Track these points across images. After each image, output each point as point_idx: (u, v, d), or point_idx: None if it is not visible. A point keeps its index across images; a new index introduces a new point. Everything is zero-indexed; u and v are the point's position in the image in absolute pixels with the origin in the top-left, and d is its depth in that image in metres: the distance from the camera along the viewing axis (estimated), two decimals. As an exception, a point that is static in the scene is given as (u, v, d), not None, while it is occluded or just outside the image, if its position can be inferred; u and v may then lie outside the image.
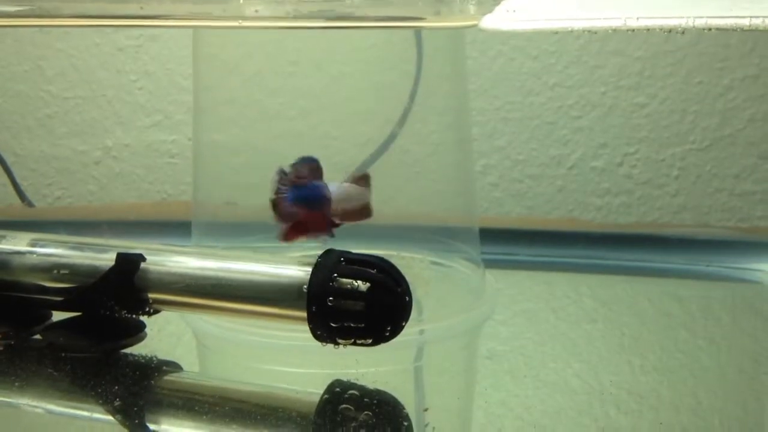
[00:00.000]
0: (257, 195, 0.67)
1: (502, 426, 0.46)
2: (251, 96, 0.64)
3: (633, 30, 0.31)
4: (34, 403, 0.48)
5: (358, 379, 0.47)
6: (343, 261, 0.46)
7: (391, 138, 0.65)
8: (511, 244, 0.72)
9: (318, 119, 0.65)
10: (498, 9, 0.34)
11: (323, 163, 0.67)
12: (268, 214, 0.67)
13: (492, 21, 0.34)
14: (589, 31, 0.32)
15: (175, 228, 0.71)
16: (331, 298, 0.45)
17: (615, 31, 0.31)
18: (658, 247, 0.73)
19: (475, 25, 0.35)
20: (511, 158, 0.81)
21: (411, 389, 0.51)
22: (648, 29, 0.31)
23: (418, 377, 0.53)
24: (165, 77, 0.85)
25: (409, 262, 0.57)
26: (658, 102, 0.79)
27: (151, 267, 0.49)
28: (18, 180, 0.81)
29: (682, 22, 0.30)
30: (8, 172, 0.80)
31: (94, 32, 0.86)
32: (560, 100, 0.80)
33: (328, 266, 0.46)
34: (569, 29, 0.33)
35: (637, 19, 0.30)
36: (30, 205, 0.80)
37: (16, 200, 0.81)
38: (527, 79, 0.81)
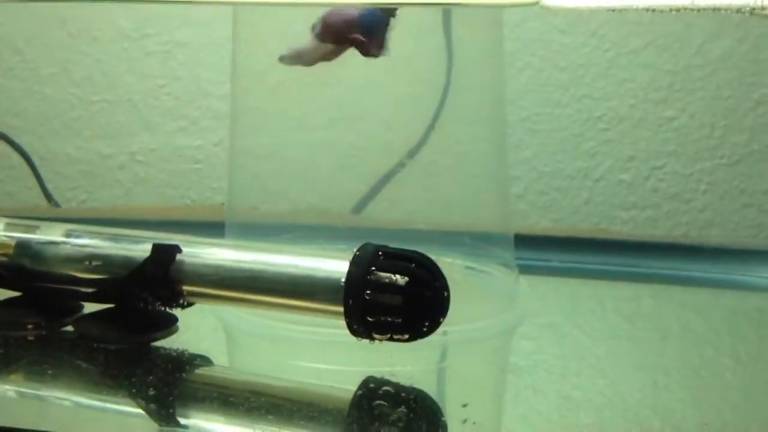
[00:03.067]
0: (285, 201, 0.68)
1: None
2: (277, 104, 0.64)
3: (698, 10, 0.30)
4: (65, 395, 0.48)
5: (394, 375, 0.47)
6: (380, 255, 0.46)
7: (419, 146, 0.65)
8: (540, 250, 0.72)
9: (344, 128, 0.65)
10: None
11: (352, 171, 0.67)
12: (297, 218, 0.67)
13: (554, -2, 0.34)
14: (652, 10, 0.32)
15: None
16: (368, 292, 0.45)
17: (679, 11, 0.31)
18: (687, 256, 0.72)
19: (536, 3, 0.34)
20: (537, 170, 0.81)
21: (432, 391, 0.50)
22: (715, 9, 0.31)
23: (441, 379, 0.53)
24: (192, 83, 0.86)
25: (443, 265, 0.57)
26: (687, 116, 0.79)
27: (187, 259, 0.49)
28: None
29: (750, 2, 0.30)
30: (35, 172, 0.80)
31: (123, 37, 0.86)
32: (588, 112, 0.80)
33: (365, 259, 0.45)
34: (633, 7, 0.33)
35: (705, -4, 0.30)
36: (56, 205, 0.81)
37: (41, 202, 0.82)
38: (555, 90, 0.81)
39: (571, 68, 0.80)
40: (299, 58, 0.57)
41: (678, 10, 0.31)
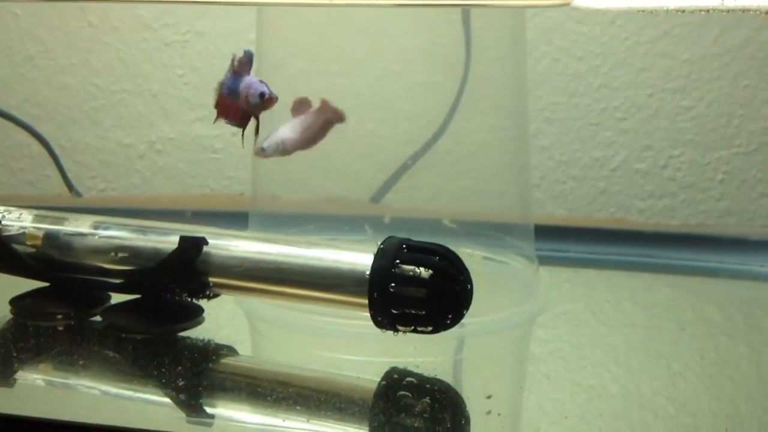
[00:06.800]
0: (305, 191, 0.68)
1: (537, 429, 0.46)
2: (298, 94, 0.64)
3: (728, 11, 0.31)
4: (94, 384, 0.48)
5: (418, 366, 0.47)
6: (405, 248, 0.46)
7: (438, 135, 0.66)
8: (556, 240, 0.72)
9: (363, 118, 0.65)
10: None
11: (368, 161, 0.67)
12: (317, 207, 0.68)
13: (585, -1, 0.34)
14: (682, 11, 0.32)
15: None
16: (393, 285, 0.46)
17: (708, 12, 0.31)
18: (703, 245, 0.72)
19: (567, 4, 0.35)
20: (554, 159, 0.81)
21: (454, 381, 0.51)
22: (744, 10, 0.31)
23: (462, 370, 0.53)
24: (210, 73, 0.86)
25: (461, 256, 0.58)
26: (704, 105, 0.79)
27: (213, 251, 0.50)
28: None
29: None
30: (57, 162, 0.81)
31: (143, 28, 0.86)
32: (605, 101, 0.80)
33: (390, 253, 0.46)
34: (664, 8, 0.33)
35: (736, -3, 0.30)
36: (78, 195, 0.81)
37: (62, 191, 0.82)
38: (572, 80, 0.81)
39: (589, 57, 0.80)
40: (280, 149, 0.57)
41: (708, 11, 0.31)
